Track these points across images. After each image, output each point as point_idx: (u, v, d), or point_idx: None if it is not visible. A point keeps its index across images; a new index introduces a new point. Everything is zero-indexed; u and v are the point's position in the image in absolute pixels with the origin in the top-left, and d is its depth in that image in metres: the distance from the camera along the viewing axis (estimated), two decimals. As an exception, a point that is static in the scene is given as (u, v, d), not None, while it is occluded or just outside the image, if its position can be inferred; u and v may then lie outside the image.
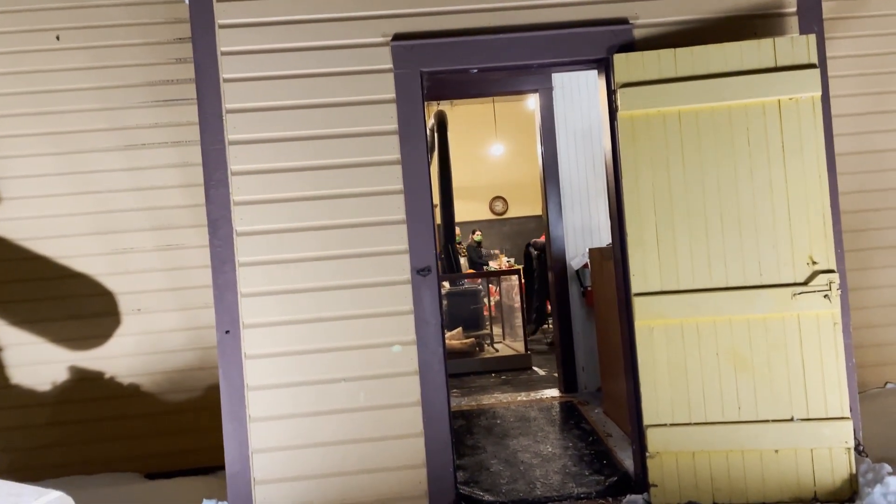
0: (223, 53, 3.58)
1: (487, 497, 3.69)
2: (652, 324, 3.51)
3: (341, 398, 3.53)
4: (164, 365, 4.65)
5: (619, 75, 3.54)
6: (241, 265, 3.54)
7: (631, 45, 3.68)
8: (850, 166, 4.79)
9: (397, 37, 3.64)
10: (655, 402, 3.49)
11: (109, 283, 4.61)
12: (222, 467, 3.66)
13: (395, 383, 3.55)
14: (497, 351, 7.68)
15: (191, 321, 4.62)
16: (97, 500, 3.88)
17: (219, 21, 3.58)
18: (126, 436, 4.57)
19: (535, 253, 8.76)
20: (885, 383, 4.93)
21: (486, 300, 8.54)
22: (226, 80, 3.58)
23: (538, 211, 10.56)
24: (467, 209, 12.79)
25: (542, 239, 8.69)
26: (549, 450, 4.38)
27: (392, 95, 3.62)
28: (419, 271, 3.58)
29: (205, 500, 3.56)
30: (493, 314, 8.65)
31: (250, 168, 3.57)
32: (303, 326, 3.54)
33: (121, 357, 4.60)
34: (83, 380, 4.56)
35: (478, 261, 9.71)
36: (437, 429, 3.54)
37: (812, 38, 3.46)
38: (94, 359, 4.58)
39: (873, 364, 4.90)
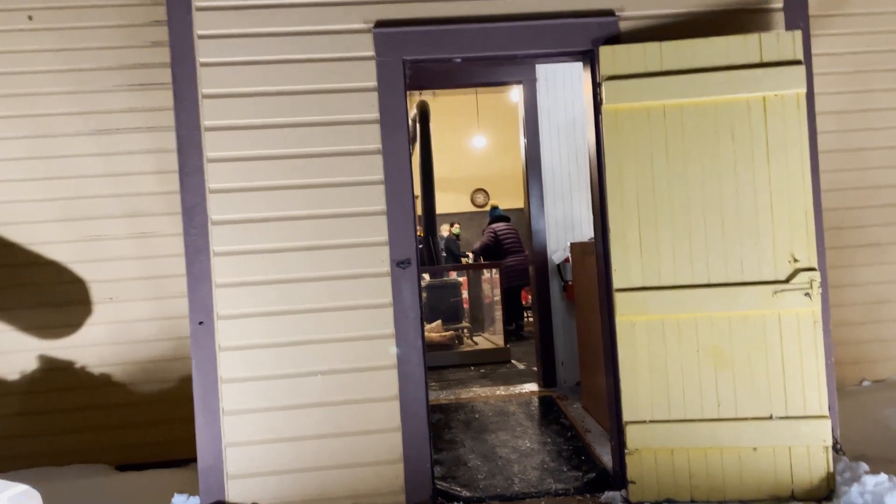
0: (200, 37, 3.48)
1: (465, 493, 3.65)
2: (633, 319, 3.48)
3: (318, 392, 3.47)
4: (136, 355, 4.56)
5: (605, 68, 3.49)
6: (217, 255, 3.46)
7: (616, 38, 3.63)
8: (831, 164, 4.79)
9: (380, 23, 3.56)
10: (635, 399, 3.46)
11: (81, 270, 4.51)
12: (195, 459, 3.59)
13: (373, 377, 3.49)
14: (476, 344, 7.64)
15: (164, 311, 4.53)
16: (66, 493, 3.79)
17: (196, 3, 3.47)
18: (97, 427, 4.48)
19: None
20: (862, 381, 4.97)
21: (465, 293, 8.50)
22: (202, 65, 3.48)
23: (520, 204, 10.53)
24: (448, 201, 12.74)
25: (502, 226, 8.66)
26: (528, 445, 4.35)
27: (374, 84, 3.54)
28: (399, 263, 3.51)
29: (176, 495, 3.49)
30: (472, 307, 8.61)
31: (227, 155, 3.48)
32: (279, 318, 3.46)
33: (92, 346, 4.51)
34: (53, 369, 4.46)
35: (457, 253, 9.67)
36: (414, 423, 3.49)
37: (798, 34, 3.43)
38: (64, 348, 4.48)
39: (850, 362, 4.93)
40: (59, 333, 4.49)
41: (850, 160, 4.96)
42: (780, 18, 3.70)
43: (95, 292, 4.51)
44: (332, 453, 3.45)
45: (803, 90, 3.41)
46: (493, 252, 8.65)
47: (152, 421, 4.50)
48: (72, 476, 4.10)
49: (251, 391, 3.44)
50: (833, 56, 4.94)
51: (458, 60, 3.67)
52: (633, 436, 3.44)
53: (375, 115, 3.54)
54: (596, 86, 3.61)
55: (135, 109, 4.50)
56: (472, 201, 13.92)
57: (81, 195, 4.47)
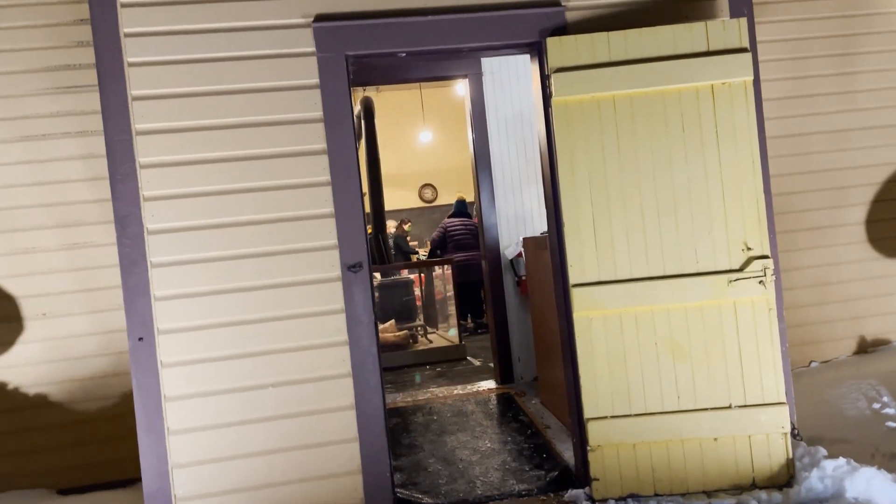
0: (127, 35, 3.27)
1: (427, 499, 3.55)
2: (590, 315, 3.43)
3: (269, 405, 3.32)
4: (74, 372, 4.31)
5: (553, 60, 3.43)
6: (155, 266, 3.27)
7: (563, 29, 3.57)
8: (773, 150, 4.80)
9: (319, 18, 3.41)
10: (595, 395, 3.42)
11: (10, 285, 4.23)
12: (141, 479, 3.41)
13: (327, 387, 3.36)
14: (431, 342, 7.55)
15: (102, 324, 4.30)
16: (4, 522, 3.57)
17: (121, -1, 3.27)
18: (34, 450, 4.23)
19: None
20: (810, 362, 5.06)
21: (417, 291, 8.40)
22: (131, 65, 3.27)
23: (469, 197, 10.48)
24: (396, 197, 12.60)
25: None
26: (488, 445, 4.28)
27: (316, 81, 3.40)
28: (350, 267, 3.39)
29: (122, 521, 3.30)
30: (425, 304, 8.52)
31: (161, 160, 3.29)
32: (225, 330, 3.30)
33: (26, 366, 4.24)
34: (-17, 392, 4.18)
35: (406, 249, 9.55)
36: (372, 432, 3.37)
37: (743, 21, 3.42)
38: (-5, 368, 4.21)
39: (798, 343, 5.00)
40: (-12, 353, 4.22)
41: (791, 145, 5.02)
42: (724, 6, 3.69)
43: (27, 308, 4.25)
44: (287, 468, 3.31)
45: (750, 78, 3.41)
46: (441, 247, 8.57)
47: (94, 440, 4.27)
48: (8, 503, 3.87)
49: (198, 408, 3.27)
50: (772, 43, 4.98)
51: (403, 55, 3.55)
52: (594, 432, 3.40)
53: (319, 113, 3.40)
54: (545, 78, 3.54)
55: (62, 113, 4.23)
56: (421, 197, 13.81)
57: (8, 206, 4.20)
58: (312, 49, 3.40)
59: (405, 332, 7.39)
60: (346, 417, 3.37)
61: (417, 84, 10.92)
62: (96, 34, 3.24)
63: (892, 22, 5.05)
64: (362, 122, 7.80)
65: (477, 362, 6.86)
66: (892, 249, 5.16)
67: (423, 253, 10.70)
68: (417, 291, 8.38)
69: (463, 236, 8.53)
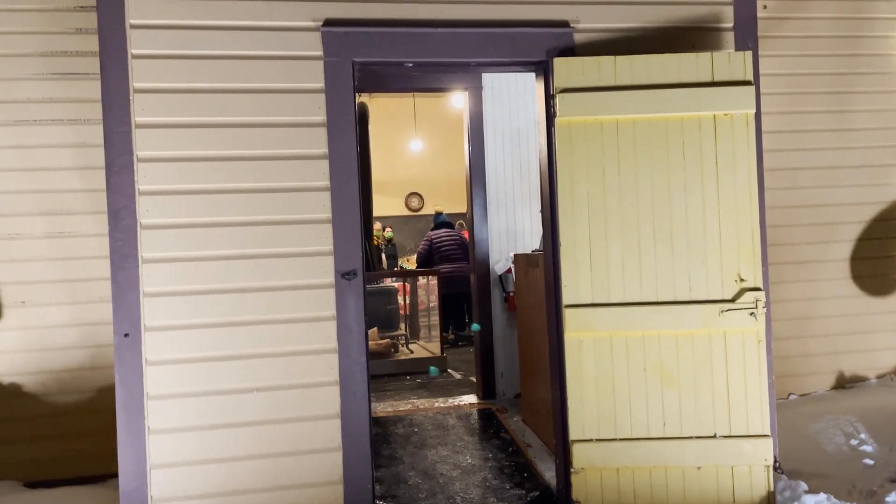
0: (133, 26, 3.23)
1: (406, 513, 3.52)
2: (581, 336, 3.43)
3: (254, 409, 3.27)
4: (51, 363, 4.22)
5: (559, 80, 3.43)
6: (146, 262, 3.21)
7: (571, 50, 3.58)
8: (765, 182, 4.90)
9: (328, 22, 3.39)
10: (582, 417, 3.41)
11: (-10, 272, 4.14)
12: (114, 476, 3.34)
13: (313, 394, 3.31)
14: (412, 352, 7.51)
15: (83, 316, 4.21)
16: (-35, 514, 3.47)
17: (129, -10, 3.22)
18: (5, 440, 4.12)
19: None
20: (789, 394, 5.09)
21: (400, 299, 8.35)
22: (135, 56, 3.23)
23: (457, 209, 10.43)
24: (382, 204, 12.52)
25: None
26: (469, 461, 4.25)
27: (321, 85, 3.38)
28: (344, 275, 3.35)
29: (93, 519, 3.22)
30: (409, 314, 8.48)
31: (160, 155, 3.24)
32: (214, 331, 3.25)
33: (1, 353, 4.14)
34: (-46, 379, 4.08)
35: (394, 256, 9.48)
36: (356, 443, 3.33)
37: (748, 54, 3.46)
38: (-32, 355, 4.11)
39: (778, 375, 5.02)
40: (-38, 340, 4.12)
41: (782, 179, 5.07)
42: (729, 38, 3.73)
43: (6, 295, 4.15)
44: (267, 474, 3.26)
45: (752, 110, 3.44)
46: (427, 259, 8.55)
47: (67, 434, 4.17)
48: (-26, 495, 3.77)
49: (181, 408, 3.21)
50: (768, 77, 5.04)
51: (410, 65, 3.54)
52: (578, 455, 3.39)
53: (322, 117, 3.38)
54: (549, 97, 3.54)
55: (56, 100, 4.15)
56: (407, 205, 13.77)
57: (-7, 190, 4.11)
58: (320, 53, 3.38)
59: (387, 340, 7.35)
60: (331, 426, 3.33)
61: (411, 93, 10.90)
62: (101, 22, 3.19)
63: (887, 63, 5.14)
64: (356, 127, 7.75)
65: (458, 375, 6.83)
66: (874, 288, 5.23)
67: (406, 262, 10.64)
68: (401, 300, 8.33)
69: (449, 248, 8.50)
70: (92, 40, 4.01)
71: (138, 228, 3.21)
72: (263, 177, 3.32)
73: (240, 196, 3.30)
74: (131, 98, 3.22)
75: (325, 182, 3.38)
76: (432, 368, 6.81)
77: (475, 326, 5.37)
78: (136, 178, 3.21)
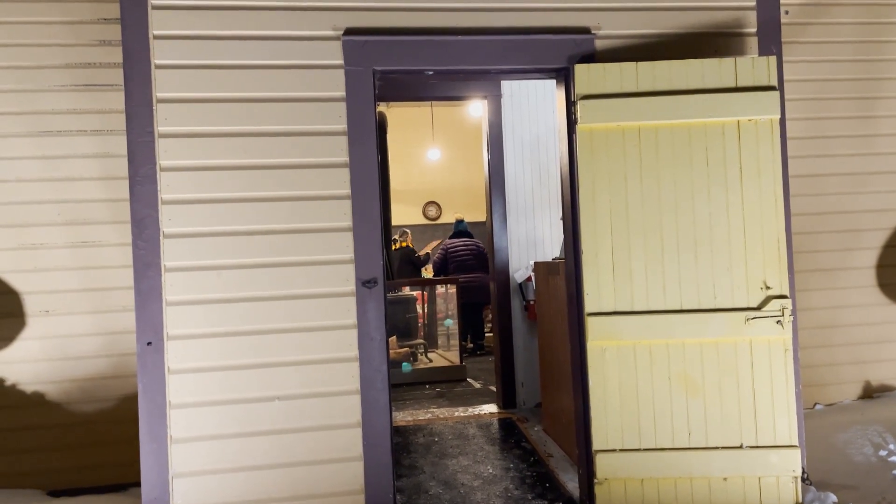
0: (156, 37, 3.26)
1: (427, 524, 3.49)
2: (604, 345, 3.39)
3: (275, 418, 3.26)
4: (73, 372, 4.25)
5: (580, 86, 3.41)
6: (168, 270, 3.23)
7: (592, 57, 3.57)
8: (790, 189, 4.84)
9: (349, 31, 3.40)
10: (605, 427, 3.37)
11: (15, 281, 4.17)
12: (135, 484, 3.34)
13: (334, 403, 3.31)
14: (431, 361, 7.49)
15: (105, 325, 4.23)
16: (-10, 522, 3.48)
17: (152, 1, 3.25)
18: (28, 449, 4.15)
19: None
20: (815, 404, 5.01)
21: (419, 308, 8.33)
22: (158, 67, 3.26)
23: (474, 218, 10.41)
24: (400, 212, 12.55)
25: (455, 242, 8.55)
26: (490, 471, 4.21)
27: (342, 93, 3.38)
28: (365, 283, 3.35)
29: (116, 528, 3.23)
30: (428, 323, 8.45)
31: (182, 164, 3.26)
32: (235, 339, 3.25)
33: (24, 363, 4.18)
34: (-21, 387, 4.11)
35: (418, 265, 9.39)
36: (377, 452, 3.32)
37: (773, 59, 3.42)
38: (-7, 364, 4.14)
39: (804, 385, 4.94)
40: (-12, 348, 4.16)
41: (806, 185, 5.01)
42: (753, 43, 3.70)
43: (30, 304, 4.19)
44: (289, 484, 3.25)
45: (777, 116, 3.40)
46: (442, 268, 8.52)
47: (89, 443, 4.20)
48: (-2, 503, 3.79)
49: (203, 417, 3.22)
50: (792, 82, 4.99)
51: (431, 73, 3.54)
52: (602, 465, 3.35)
53: (343, 126, 3.38)
54: (570, 104, 3.52)
55: (79, 111, 4.20)
56: (424, 214, 13.77)
57: (18, 200, 4.15)
58: (340, 62, 3.39)
59: (406, 349, 7.33)
60: (352, 435, 3.32)
61: (429, 102, 10.93)
62: (125, 34, 3.22)
63: (913, 69, 5.07)
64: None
65: (477, 384, 6.79)
66: (901, 295, 5.14)
67: (425, 272, 10.61)
68: (419, 309, 8.31)
69: (464, 257, 8.46)
70: (115, 52, 4.06)
71: (161, 237, 3.22)
72: (285, 185, 3.33)
73: (261, 204, 3.31)
74: (154, 108, 3.24)
75: (346, 190, 3.38)
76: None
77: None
78: (158, 188, 3.23)
